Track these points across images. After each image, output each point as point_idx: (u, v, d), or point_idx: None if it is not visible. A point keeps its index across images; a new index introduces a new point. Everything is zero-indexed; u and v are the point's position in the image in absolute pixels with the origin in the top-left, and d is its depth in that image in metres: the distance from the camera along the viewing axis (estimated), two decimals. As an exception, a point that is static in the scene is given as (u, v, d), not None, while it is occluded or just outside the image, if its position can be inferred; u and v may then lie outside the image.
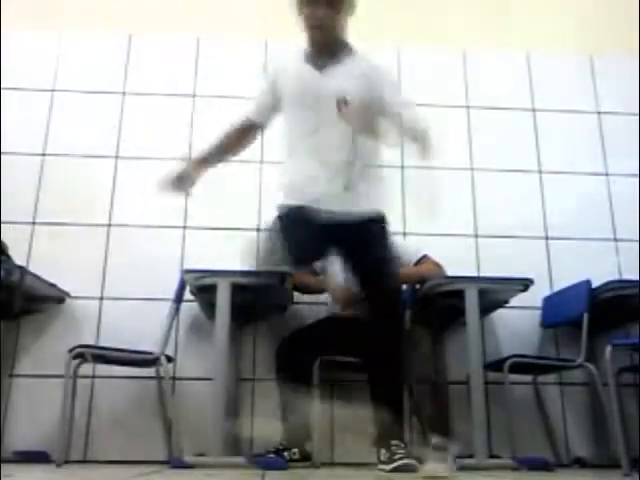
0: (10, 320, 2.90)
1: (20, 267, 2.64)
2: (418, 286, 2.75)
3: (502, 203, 3.37)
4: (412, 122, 2.15)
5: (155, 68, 3.46)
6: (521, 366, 2.70)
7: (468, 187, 3.42)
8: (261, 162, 3.34)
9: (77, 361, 2.66)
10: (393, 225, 3.15)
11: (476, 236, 3.32)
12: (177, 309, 2.80)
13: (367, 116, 2.05)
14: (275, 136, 3.30)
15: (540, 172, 3.48)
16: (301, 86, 2.14)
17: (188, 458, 2.42)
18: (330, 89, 2.08)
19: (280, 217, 2.17)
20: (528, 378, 2.99)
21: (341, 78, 2.10)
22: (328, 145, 2.12)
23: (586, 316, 2.64)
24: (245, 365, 2.99)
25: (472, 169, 3.45)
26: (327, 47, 2.16)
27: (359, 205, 2.14)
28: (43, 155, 3.29)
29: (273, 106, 2.27)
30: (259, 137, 2.44)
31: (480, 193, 3.41)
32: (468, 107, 3.58)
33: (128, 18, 3.54)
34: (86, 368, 2.78)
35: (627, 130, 3.54)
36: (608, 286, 2.64)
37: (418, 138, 2.14)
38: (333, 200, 2.11)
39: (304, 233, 2.06)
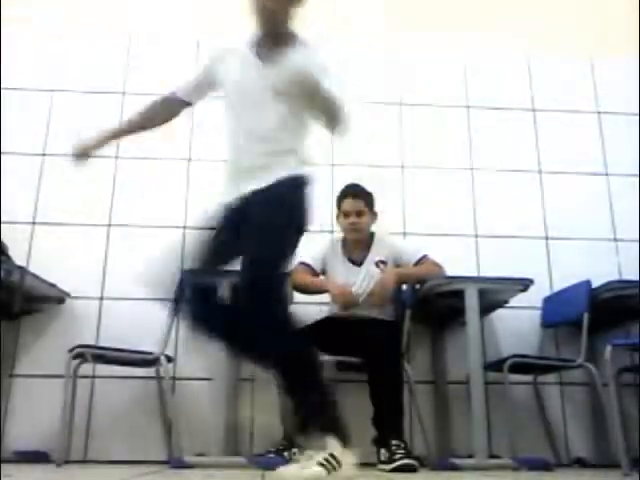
0: (10, 320, 2.90)
1: (20, 267, 2.64)
2: (418, 286, 2.75)
3: (502, 203, 3.38)
4: (334, 104, 2.09)
5: (155, 68, 3.46)
6: (521, 366, 2.70)
7: (468, 187, 3.42)
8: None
9: (77, 361, 2.66)
10: (393, 225, 3.22)
11: (476, 236, 3.32)
12: (177, 309, 2.80)
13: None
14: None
15: (540, 172, 3.48)
16: (239, 73, 2.06)
17: (188, 458, 2.42)
18: (267, 79, 2.00)
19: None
20: (528, 378, 2.99)
21: (280, 69, 1.99)
22: (254, 133, 2.01)
23: (586, 316, 2.64)
24: (245, 365, 2.99)
25: (472, 169, 3.46)
26: (271, 36, 2.07)
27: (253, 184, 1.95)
28: (43, 155, 3.29)
29: (205, 86, 2.18)
30: (183, 113, 2.28)
31: (480, 193, 3.41)
32: (468, 107, 3.58)
33: (128, 18, 3.55)
34: (86, 368, 2.78)
35: (627, 130, 3.55)
36: (608, 286, 2.64)
37: (331, 113, 2.07)
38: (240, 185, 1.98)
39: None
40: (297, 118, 2.05)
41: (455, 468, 2.32)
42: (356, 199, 2.83)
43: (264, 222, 1.85)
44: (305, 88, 1.92)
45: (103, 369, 2.87)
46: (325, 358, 2.60)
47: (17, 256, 2.84)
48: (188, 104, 2.22)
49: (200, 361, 2.92)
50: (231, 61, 2.09)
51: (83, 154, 2.21)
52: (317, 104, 1.96)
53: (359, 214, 2.82)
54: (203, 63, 2.20)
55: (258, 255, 1.83)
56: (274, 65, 2.01)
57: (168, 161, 3.32)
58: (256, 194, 1.91)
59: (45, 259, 3.02)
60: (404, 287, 2.82)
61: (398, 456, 2.24)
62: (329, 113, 2.00)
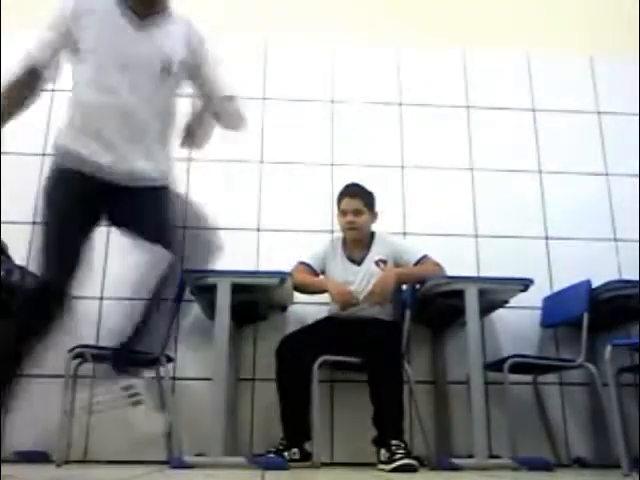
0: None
1: (20, 267, 2.64)
2: (418, 286, 2.75)
3: (502, 203, 3.37)
4: (218, 85, 2.06)
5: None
6: (521, 366, 2.70)
7: (468, 187, 3.42)
8: (261, 162, 3.35)
9: (77, 361, 2.66)
10: (393, 225, 3.22)
11: (476, 236, 3.32)
12: (177, 309, 2.80)
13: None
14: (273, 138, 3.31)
15: (540, 172, 3.48)
16: (112, 39, 1.89)
17: (188, 458, 2.42)
18: (149, 52, 1.91)
19: (51, 178, 1.94)
20: (528, 378, 2.99)
21: (162, 41, 1.94)
22: (129, 109, 1.91)
23: (586, 316, 2.64)
24: (245, 365, 2.99)
25: (472, 169, 3.46)
26: (147, 5, 1.94)
27: (146, 167, 1.94)
28: (43, 155, 3.29)
29: (62, 47, 1.96)
30: (44, 85, 2.07)
31: (480, 193, 3.41)
32: (468, 107, 3.58)
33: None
34: (86, 368, 2.78)
35: (627, 130, 3.54)
36: (608, 286, 2.63)
37: (227, 109, 2.06)
38: (117, 161, 1.91)
39: (74, 197, 1.88)
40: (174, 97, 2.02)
41: (455, 468, 2.32)
42: (354, 198, 2.83)
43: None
44: (197, 59, 1.93)
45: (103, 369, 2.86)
46: (325, 358, 2.61)
47: (17, 256, 2.83)
48: (44, 70, 1.98)
49: (200, 361, 2.93)
50: (94, 19, 1.90)
51: None
52: (203, 80, 1.97)
53: (357, 213, 2.83)
54: (56, 20, 1.96)
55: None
56: (155, 31, 1.92)
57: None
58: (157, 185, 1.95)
59: (45, 259, 3.01)
60: (404, 287, 2.82)
61: (398, 456, 2.24)
62: (212, 91, 2.00)
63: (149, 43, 1.92)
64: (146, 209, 1.95)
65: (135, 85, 1.92)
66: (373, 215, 2.89)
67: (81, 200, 1.92)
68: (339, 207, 2.89)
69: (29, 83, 1.98)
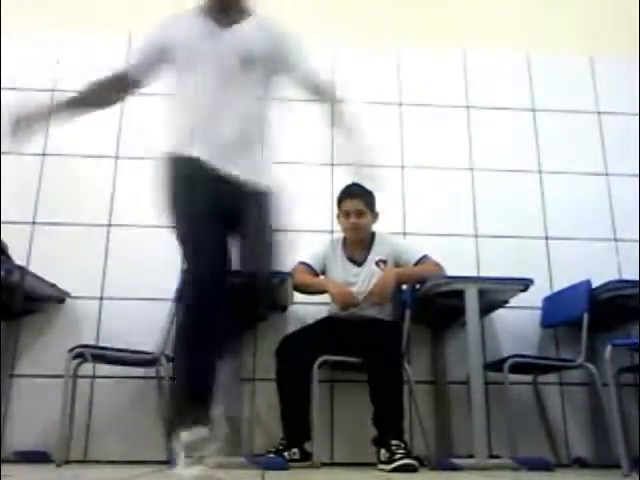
0: (10, 320, 2.90)
1: (20, 267, 2.64)
2: (418, 286, 2.75)
3: (502, 203, 3.37)
4: (322, 82, 2.06)
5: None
6: (521, 366, 2.70)
7: (468, 187, 3.42)
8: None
9: (77, 361, 2.66)
10: (393, 225, 3.22)
11: (476, 236, 3.32)
12: (177, 309, 2.80)
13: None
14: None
15: (540, 172, 3.48)
16: (200, 39, 1.98)
17: (188, 458, 2.41)
18: (227, 49, 1.96)
19: (175, 166, 1.94)
20: (528, 378, 2.98)
21: (243, 33, 2.00)
22: (221, 106, 1.95)
23: (586, 316, 2.64)
24: (245, 365, 2.99)
25: (472, 169, 3.46)
26: (228, 11, 2.03)
27: (257, 174, 1.98)
28: (43, 155, 3.29)
29: (155, 61, 2.07)
30: (131, 92, 2.18)
31: (480, 193, 3.41)
32: (468, 107, 3.58)
33: (128, 17, 3.54)
34: (86, 368, 2.78)
35: (627, 130, 3.54)
36: (608, 286, 2.63)
37: (329, 100, 2.08)
38: (233, 161, 1.93)
39: (205, 188, 1.87)
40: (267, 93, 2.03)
41: (455, 468, 2.32)
42: (356, 199, 2.83)
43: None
44: (281, 48, 1.95)
45: (103, 369, 2.87)
46: (325, 358, 2.61)
47: (17, 256, 2.84)
48: (138, 84, 2.11)
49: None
50: (183, 28, 2.01)
51: (19, 127, 1.99)
52: (297, 74, 1.99)
53: (359, 214, 2.83)
54: (150, 36, 2.09)
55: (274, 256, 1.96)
56: (233, 30, 1.97)
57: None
58: (260, 196, 1.95)
59: (45, 259, 3.02)
60: (404, 287, 2.82)
61: (398, 456, 2.24)
62: (312, 86, 2.01)
63: (227, 41, 1.99)
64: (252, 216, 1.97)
65: (221, 82, 1.96)
66: (374, 215, 2.89)
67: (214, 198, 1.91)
68: (340, 208, 2.89)
69: (116, 86, 2.12)
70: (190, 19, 2.04)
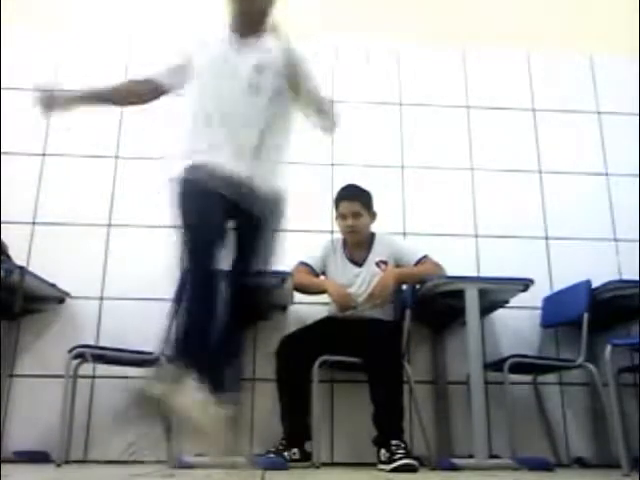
0: (10, 320, 2.90)
1: (20, 267, 2.64)
2: (418, 286, 2.75)
3: (502, 203, 3.37)
4: (319, 96, 2.13)
5: (156, 68, 3.45)
6: (521, 366, 2.71)
7: (468, 187, 3.42)
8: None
9: (77, 361, 2.66)
10: (393, 225, 3.22)
11: (476, 236, 3.32)
12: (177, 309, 2.80)
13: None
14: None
15: (540, 172, 3.48)
16: (226, 54, 2.10)
17: (188, 458, 2.41)
18: (255, 57, 2.08)
19: (185, 180, 2.06)
20: (528, 378, 2.99)
21: (265, 48, 2.10)
22: (240, 116, 2.05)
23: (586, 316, 2.64)
24: (245, 365, 2.99)
25: (472, 169, 3.46)
26: (254, 27, 2.14)
27: (266, 181, 2.05)
28: (43, 155, 3.29)
29: (183, 73, 2.21)
30: (158, 96, 2.29)
31: (480, 193, 3.41)
32: (468, 107, 3.58)
33: (129, 18, 3.55)
34: (86, 368, 2.78)
35: (627, 130, 3.54)
36: (608, 286, 2.64)
37: (324, 111, 2.13)
38: (242, 170, 2.01)
39: (210, 198, 1.97)
40: (283, 110, 2.11)
41: (455, 468, 2.32)
42: (352, 201, 2.83)
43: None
44: (292, 69, 2.01)
45: (103, 369, 2.87)
46: (325, 358, 2.61)
47: (17, 256, 2.84)
48: (164, 90, 2.24)
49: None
50: (212, 47, 2.13)
51: (50, 104, 2.21)
52: (301, 90, 2.05)
53: (356, 216, 2.82)
54: (182, 49, 2.24)
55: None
56: (257, 49, 2.08)
57: (168, 161, 3.31)
58: (268, 197, 2.02)
59: (45, 259, 3.02)
60: (404, 287, 2.82)
61: (398, 456, 2.24)
62: (314, 102, 2.08)
63: (250, 56, 2.09)
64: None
65: (234, 92, 2.06)
66: (372, 215, 2.89)
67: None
68: (337, 210, 2.89)
69: (144, 88, 2.26)
70: (218, 34, 2.16)
